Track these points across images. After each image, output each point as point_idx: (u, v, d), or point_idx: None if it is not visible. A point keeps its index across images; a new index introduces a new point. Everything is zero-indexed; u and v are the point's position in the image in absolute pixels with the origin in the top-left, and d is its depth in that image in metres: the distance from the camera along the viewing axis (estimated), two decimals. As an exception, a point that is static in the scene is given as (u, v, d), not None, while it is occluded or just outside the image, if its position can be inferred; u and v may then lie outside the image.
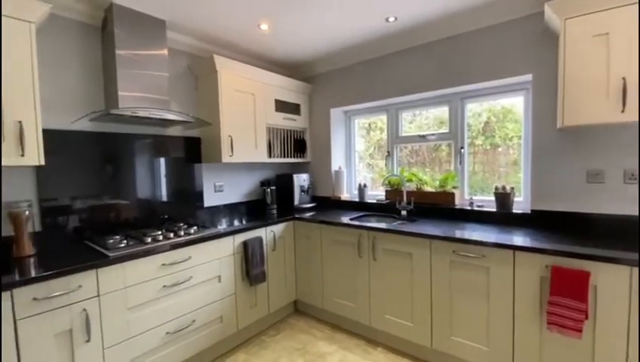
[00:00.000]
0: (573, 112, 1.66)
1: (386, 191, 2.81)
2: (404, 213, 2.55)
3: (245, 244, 2.25)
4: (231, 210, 2.87)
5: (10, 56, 1.47)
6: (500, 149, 2.44)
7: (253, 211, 3.00)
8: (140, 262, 1.70)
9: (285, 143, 3.07)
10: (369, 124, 3.20)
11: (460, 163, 2.54)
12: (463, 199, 2.53)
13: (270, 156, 2.87)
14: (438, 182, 2.59)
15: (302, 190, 3.13)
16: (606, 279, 1.44)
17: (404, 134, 2.88)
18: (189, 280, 1.92)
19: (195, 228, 2.14)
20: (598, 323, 1.46)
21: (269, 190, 3.00)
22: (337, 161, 3.22)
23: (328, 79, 3.13)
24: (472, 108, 2.51)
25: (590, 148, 1.88)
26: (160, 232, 1.97)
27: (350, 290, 2.37)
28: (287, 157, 3.08)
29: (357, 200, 2.99)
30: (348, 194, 3.22)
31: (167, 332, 1.82)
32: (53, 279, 1.40)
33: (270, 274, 2.47)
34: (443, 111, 2.65)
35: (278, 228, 2.54)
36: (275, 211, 2.95)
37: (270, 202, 3.01)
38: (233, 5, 1.99)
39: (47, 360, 1.39)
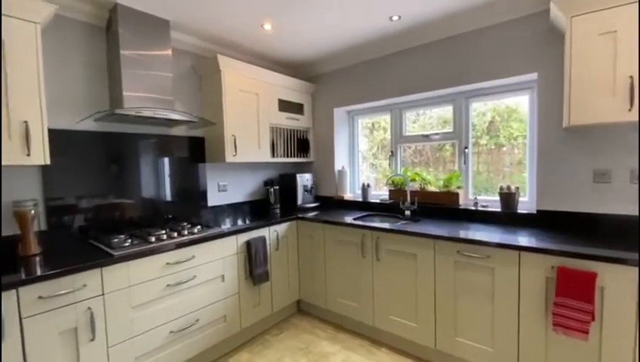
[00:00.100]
0: (579, 111, 1.64)
1: (390, 191, 2.80)
2: (407, 213, 2.54)
3: (249, 244, 2.25)
4: (234, 209, 2.88)
5: (16, 57, 1.48)
6: (504, 149, 2.42)
7: (257, 211, 3.00)
8: (144, 261, 1.71)
9: (288, 143, 3.07)
10: (372, 124, 3.20)
11: (465, 163, 2.52)
12: (467, 199, 2.51)
13: (273, 156, 2.88)
14: (442, 182, 2.57)
15: (305, 190, 3.13)
16: (613, 280, 1.42)
17: (407, 134, 2.87)
18: (192, 280, 1.92)
19: (198, 227, 2.15)
20: (605, 324, 1.45)
21: (272, 190, 3.00)
22: (340, 161, 3.21)
23: (331, 79, 3.12)
24: (477, 107, 2.50)
25: (597, 148, 1.86)
26: (164, 231, 1.98)
27: (353, 290, 2.36)
28: (291, 156, 3.08)
29: (360, 200, 2.99)
30: (351, 194, 3.21)
31: (171, 331, 1.82)
32: (59, 278, 1.41)
33: (273, 274, 2.47)
34: (447, 111, 2.63)
35: (281, 228, 2.54)
36: (278, 211, 2.96)
37: (273, 202, 3.01)
38: (237, 5, 1.99)
39: (52, 358, 1.41)
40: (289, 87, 2.99)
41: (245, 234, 2.25)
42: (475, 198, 2.44)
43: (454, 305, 1.88)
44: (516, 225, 2.11)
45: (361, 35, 2.49)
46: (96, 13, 1.96)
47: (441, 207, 2.48)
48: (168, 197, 2.40)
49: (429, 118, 2.80)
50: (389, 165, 2.97)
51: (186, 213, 2.50)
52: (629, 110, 1.51)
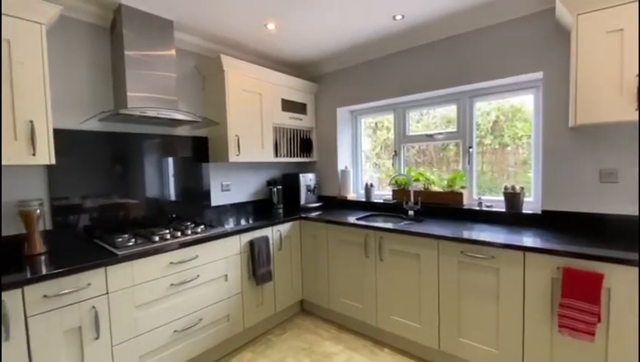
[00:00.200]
0: (585, 110, 1.63)
1: (393, 191, 2.79)
2: (411, 213, 2.53)
3: (252, 243, 2.26)
4: (238, 209, 2.88)
5: (21, 57, 1.49)
6: (509, 149, 2.40)
7: (260, 210, 3.01)
8: (148, 260, 1.71)
9: (292, 143, 3.07)
10: (375, 124, 3.19)
11: (469, 162, 2.50)
12: (471, 199, 2.50)
13: (276, 156, 2.88)
14: (445, 182, 2.56)
15: (308, 189, 3.13)
16: (619, 281, 1.40)
17: (411, 133, 2.86)
18: (196, 279, 1.93)
19: (202, 227, 2.15)
20: (612, 326, 1.43)
21: (275, 189, 3.01)
22: (344, 161, 3.21)
23: (334, 79, 3.12)
24: (481, 107, 2.48)
25: (603, 147, 1.83)
26: (168, 231, 1.98)
27: (357, 291, 2.35)
28: (294, 156, 3.08)
29: (363, 199, 2.98)
30: (354, 193, 3.21)
31: (175, 331, 1.83)
32: (63, 277, 1.42)
33: (276, 274, 2.47)
34: (451, 110, 2.62)
35: (284, 228, 2.54)
36: (281, 211, 2.96)
37: (276, 201, 3.01)
38: (240, 5, 1.99)
39: (56, 357, 1.42)
40: (292, 87, 2.99)
41: (248, 233, 2.25)
42: (479, 198, 2.43)
43: (458, 305, 1.87)
44: (521, 225, 2.09)
45: (364, 34, 2.48)
46: (100, 14, 1.97)
47: (444, 207, 2.46)
48: (172, 197, 2.41)
49: (432, 118, 2.78)
50: (393, 165, 2.96)
51: (190, 213, 2.51)
52: (636, 109, 1.49)
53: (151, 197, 2.28)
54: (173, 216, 2.41)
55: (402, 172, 2.86)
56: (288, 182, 3.13)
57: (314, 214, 2.71)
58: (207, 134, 2.61)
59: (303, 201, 3.07)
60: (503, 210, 2.21)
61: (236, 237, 2.18)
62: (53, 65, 1.82)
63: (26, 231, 1.65)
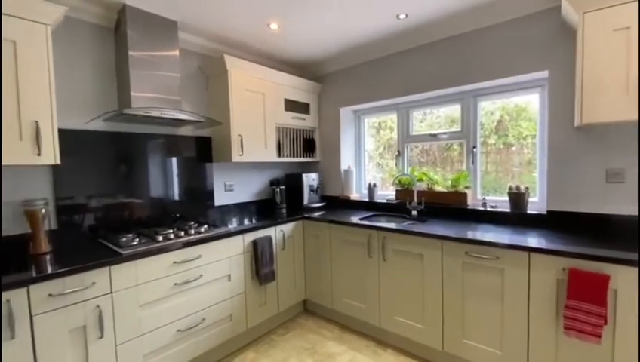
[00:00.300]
0: (591, 110, 1.61)
1: (397, 191, 2.78)
2: (414, 213, 2.51)
3: (255, 243, 2.26)
4: (241, 209, 2.89)
5: (26, 58, 1.51)
6: (513, 148, 2.38)
7: (263, 210, 3.01)
8: (151, 260, 1.72)
9: (295, 143, 3.07)
10: (379, 123, 3.18)
11: (473, 162, 2.49)
12: (475, 199, 2.48)
13: (280, 155, 2.88)
14: (449, 182, 2.54)
15: (311, 189, 3.13)
16: (626, 283, 1.38)
17: (414, 133, 2.85)
18: (199, 279, 1.93)
19: (205, 226, 2.16)
20: (618, 328, 1.41)
21: (278, 189, 3.01)
22: (347, 161, 3.20)
23: (337, 78, 3.11)
24: (485, 106, 2.46)
25: (610, 147, 1.81)
26: (171, 231, 1.99)
27: (360, 291, 2.35)
28: (297, 156, 3.08)
29: (366, 199, 2.97)
30: (357, 193, 3.20)
31: (178, 330, 1.83)
32: (68, 276, 1.43)
33: (279, 274, 2.47)
34: (454, 110, 2.60)
35: (287, 228, 2.54)
36: (284, 210, 2.96)
37: (279, 201, 3.01)
38: (243, 5, 1.99)
39: (61, 356, 1.43)
40: (295, 87, 2.99)
41: (251, 233, 2.26)
42: (484, 198, 2.41)
43: (462, 306, 1.85)
44: (526, 225, 2.07)
45: (367, 34, 2.47)
46: (105, 14, 1.98)
47: (448, 208, 2.45)
48: (176, 197, 2.42)
49: (436, 118, 2.77)
50: (396, 165, 2.95)
51: (193, 213, 2.52)
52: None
53: (155, 196, 2.29)
54: (177, 215, 2.42)
55: (406, 172, 2.85)
56: (291, 182, 3.13)
57: (317, 214, 2.70)
58: (210, 134, 2.61)
59: (306, 201, 3.07)
60: (508, 210, 2.19)
61: (239, 237, 2.18)
62: (58, 66, 1.83)
63: (32, 231, 1.67)
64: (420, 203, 2.54)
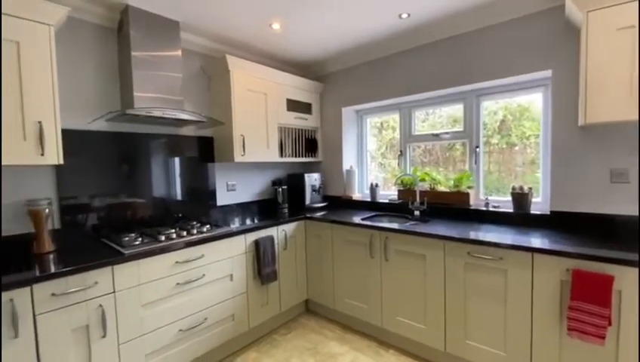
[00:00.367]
0: (595, 109, 1.59)
1: (399, 191, 2.77)
2: (417, 213, 2.51)
3: (257, 243, 2.26)
4: (243, 209, 2.89)
5: (30, 58, 1.51)
6: (516, 148, 2.36)
7: (265, 210, 3.01)
8: (154, 259, 1.73)
9: (297, 143, 3.07)
10: (381, 123, 3.17)
11: (475, 162, 2.47)
12: (477, 199, 2.47)
13: (282, 155, 2.88)
14: (452, 182, 2.53)
15: (313, 189, 3.13)
16: (631, 283, 1.37)
17: (417, 133, 2.84)
18: (201, 278, 1.94)
19: (207, 226, 2.16)
20: (622, 329, 1.40)
21: (280, 189, 3.01)
22: (349, 161, 3.20)
23: (339, 78, 3.11)
24: (488, 106, 2.45)
25: (614, 147, 1.79)
26: (174, 230, 2.00)
27: (362, 291, 2.34)
28: (299, 156, 3.08)
29: (369, 199, 2.97)
30: (359, 193, 3.19)
31: (180, 330, 1.84)
32: (71, 275, 1.43)
33: (281, 273, 2.47)
34: (457, 110, 2.59)
35: (289, 228, 2.54)
36: (286, 210, 2.96)
37: (281, 201, 3.01)
38: (245, 5, 2.00)
39: (64, 355, 1.43)
40: (297, 87, 2.99)
41: (254, 233, 2.26)
42: (486, 199, 2.40)
43: (465, 307, 1.85)
44: (529, 226, 2.06)
45: (369, 33, 2.47)
46: (107, 15, 1.99)
47: (451, 208, 2.44)
48: (178, 197, 2.42)
49: (438, 117, 2.76)
50: (398, 165, 2.94)
51: (196, 212, 2.52)
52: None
53: (157, 196, 2.30)
54: (180, 215, 2.42)
55: (408, 172, 2.84)
56: (293, 182, 3.13)
57: (319, 214, 2.70)
58: (212, 134, 2.62)
59: (308, 201, 3.07)
60: (511, 210, 2.18)
61: (241, 237, 2.18)
62: (61, 67, 1.84)
63: (35, 230, 1.68)
64: (422, 203, 2.53)
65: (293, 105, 2.98)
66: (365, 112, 3.18)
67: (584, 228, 1.89)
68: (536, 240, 1.72)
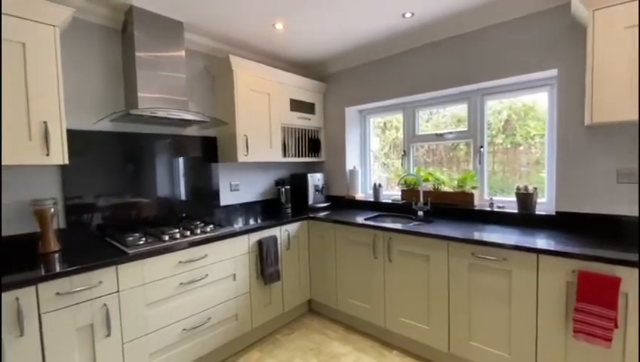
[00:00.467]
0: (602, 109, 1.58)
1: (402, 191, 2.76)
2: (420, 213, 2.49)
3: (260, 243, 2.26)
4: (246, 208, 2.90)
5: (35, 59, 1.53)
6: (521, 148, 2.35)
7: (268, 210, 3.02)
8: (158, 259, 1.73)
9: (300, 143, 3.07)
10: (384, 123, 3.16)
11: (480, 162, 2.46)
12: (482, 200, 2.45)
13: (285, 155, 2.88)
14: (456, 182, 2.52)
15: (316, 189, 3.13)
16: (637, 285, 1.35)
17: (420, 133, 2.82)
18: (204, 278, 1.94)
19: (211, 226, 2.17)
20: (629, 332, 1.38)
21: (283, 189, 3.01)
22: (352, 161, 3.19)
23: (343, 78, 3.10)
24: (492, 105, 2.43)
25: (621, 147, 1.77)
26: (177, 230, 2.00)
27: (365, 291, 2.34)
28: (302, 156, 3.08)
29: (372, 200, 2.96)
30: (363, 193, 3.19)
31: (184, 329, 1.85)
32: (76, 274, 1.44)
33: (284, 273, 2.47)
34: (461, 109, 2.58)
35: (292, 228, 2.54)
36: (289, 210, 2.96)
37: (285, 201, 3.02)
38: (249, 5, 2.00)
39: (69, 353, 1.44)
40: (300, 87, 2.99)
41: (257, 233, 2.26)
42: (491, 199, 2.38)
43: (469, 308, 1.83)
44: (534, 226, 2.04)
45: (372, 33, 2.46)
46: (112, 15, 2.00)
47: (455, 208, 2.43)
48: (182, 197, 2.43)
49: (442, 117, 2.74)
50: (402, 165, 2.93)
51: (199, 212, 2.53)
52: (656, 107, 1.44)
53: (161, 196, 2.31)
54: (183, 215, 2.43)
55: (411, 172, 2.83)
56: (296, 182, 3.13)
57: (322, 214, 2.70)
58: (216, 134, 2.62)
59: (311, 201, 3.07)
60: (515, 211, 2.16)
61: (245, 237, 2.18)
62: (66, 67, 1.85)
63: (41, 230, 1.69)
64: (425, 203, 2.52)
65: (297, 105, 2.98)
66: (368, 112, 3.17)
67: (590, 229, 1.87)
68: (542, 241, 1.70)
